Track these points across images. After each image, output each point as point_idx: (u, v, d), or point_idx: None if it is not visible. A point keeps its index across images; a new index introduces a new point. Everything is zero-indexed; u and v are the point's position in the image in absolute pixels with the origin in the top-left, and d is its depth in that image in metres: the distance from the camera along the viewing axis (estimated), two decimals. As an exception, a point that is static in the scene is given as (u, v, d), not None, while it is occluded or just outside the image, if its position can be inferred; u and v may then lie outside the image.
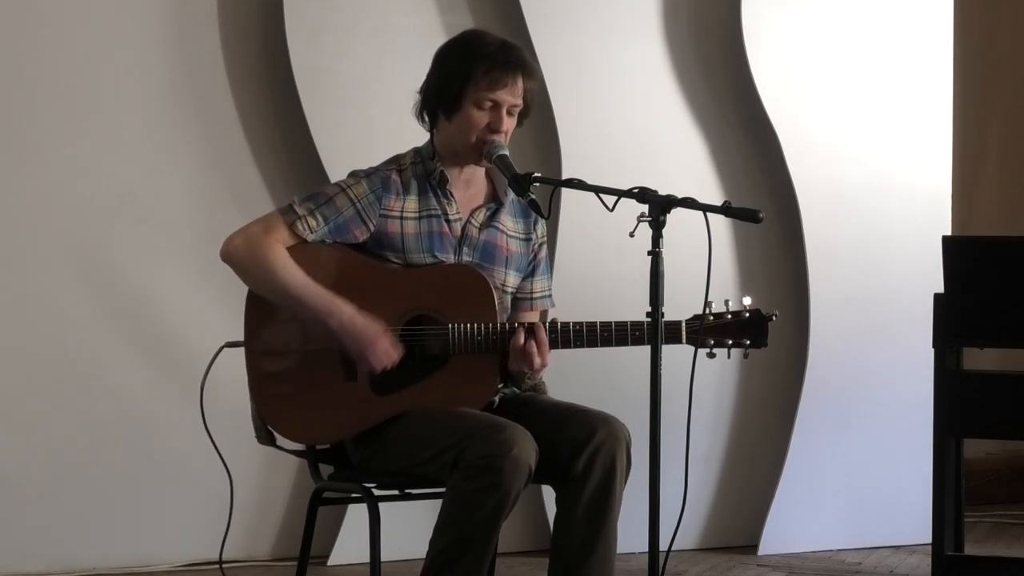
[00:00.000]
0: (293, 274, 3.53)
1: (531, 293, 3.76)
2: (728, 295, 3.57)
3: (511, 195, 3.71)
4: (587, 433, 3.47)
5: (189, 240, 4.94)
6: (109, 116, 4.93)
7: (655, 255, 3.18)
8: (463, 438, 3.37)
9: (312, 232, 3.56)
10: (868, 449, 5.38)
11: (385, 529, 3.53)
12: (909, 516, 5.31)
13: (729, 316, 3.52)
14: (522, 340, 3.50)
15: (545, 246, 3.80)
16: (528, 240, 3.75)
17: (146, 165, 4.97)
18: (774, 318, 3.54)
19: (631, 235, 3.21)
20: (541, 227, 3.78)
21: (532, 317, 3.73)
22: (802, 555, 5.30)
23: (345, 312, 3.52)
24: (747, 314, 3.52)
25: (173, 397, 4.87)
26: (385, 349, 3.51)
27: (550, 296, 3.80)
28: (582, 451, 3.45)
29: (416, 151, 3.69)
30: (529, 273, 3.76)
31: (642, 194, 3.23)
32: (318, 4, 5.03)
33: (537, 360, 3.51)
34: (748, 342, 3.52)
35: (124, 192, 4.95)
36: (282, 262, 3.54)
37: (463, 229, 3.65)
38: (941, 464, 4.64)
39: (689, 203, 3.22)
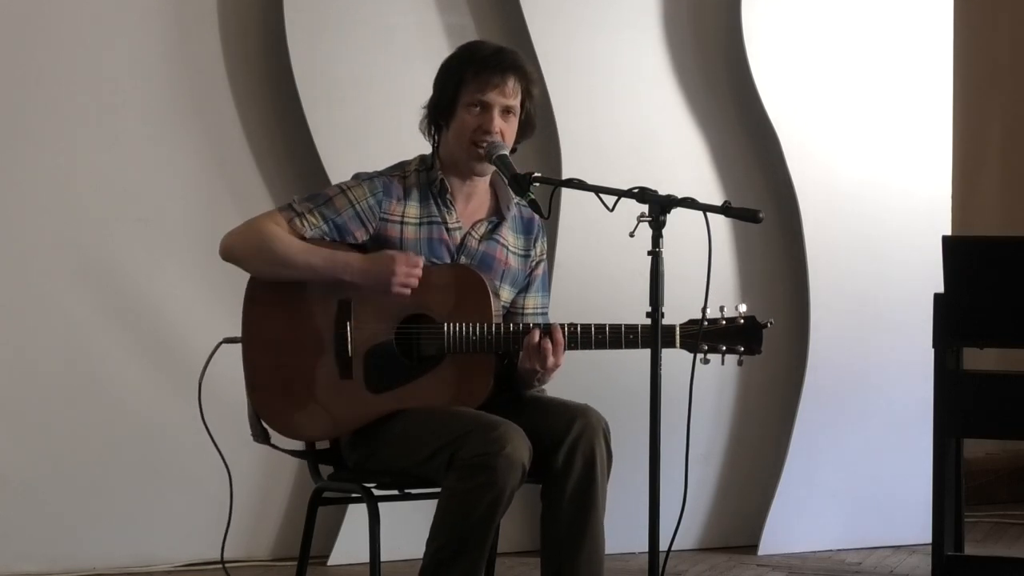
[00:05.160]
0: (293, 243, 3.55)
1: (523, 308, 3.75)
2: (728, 295, 3.57)
3: (513, 210, 3.72)
4: (565, 424, 3.47)
5: (189, 240, 4.94)
6: (109, 116, 4.93)
7: (655, 255, 3.18)
8: (457, 437, 3.38)
9: (310, 229, 3.57)
10: (868, 449, 5.38)
11: (385, 529, 3.54)
12: (909, 516, 5.31)
13: (724, 322, 3.48)
14: (537, 338, 3.50)
15: (544, 264, 3.79)
16: (527, 256, 3.75)
17: (146, 165, 4.97)
18: (769, 325, 3.50)
19: (631, 235, 3.22)
20: (540, 245, 3.78)
21: None
22: (802, 555, 5.30)
23: (353, 260, 3.53)
24: (742, 320, 3.49)
25: (173, 397, 4.87)
26: (405, 272, 3.50)
27: (544, 315, 3.78)
28: (561, 444, 3.46)
29: (422, 159, 3.70)
30: (523, 288, 3.75)
31: (642, 194, 3.24)
32: (318, 4, 5.03)
33: (551, 359, 3.51)
34: (742, 349, 3.49)
35: (124, 192, 4.95)
36: (280, 236, 3.55)
37: (463, 239, 3.66)
38: (941, 464, 4.64)
39: (689, 203, 3.22)
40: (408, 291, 3.52)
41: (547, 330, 3.51)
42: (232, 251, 3.59)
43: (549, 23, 5.15)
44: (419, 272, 3.53)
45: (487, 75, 3.58)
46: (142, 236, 4.96)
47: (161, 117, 4.99)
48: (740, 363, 3.51)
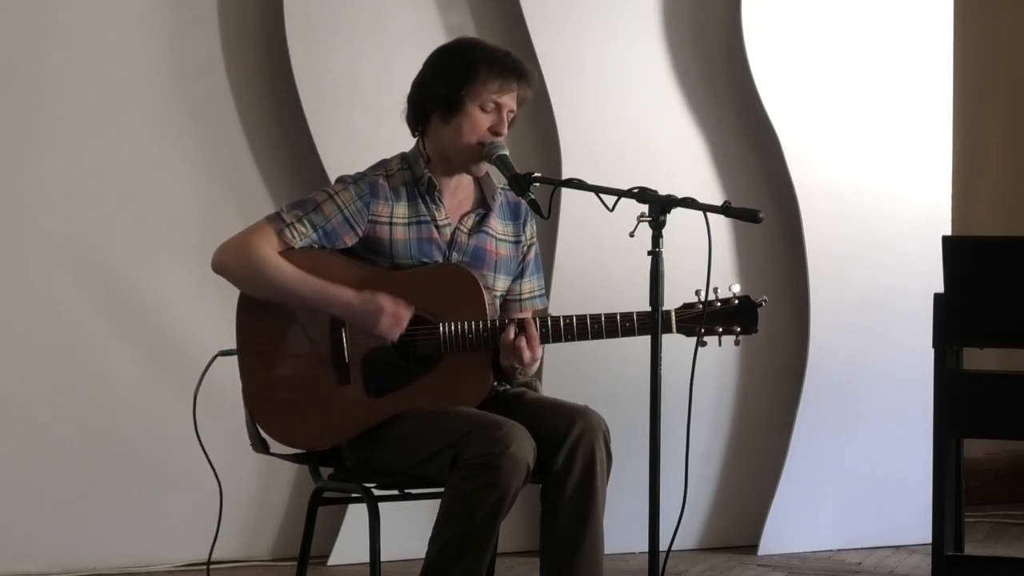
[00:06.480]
0: (285, 270, 3.53)
1: (519, 295, 3.75)
2: (721, 288, 3.56)
3: (499, 199, 3.72)
4: (565, 426, 3.47)
5: (189, 240, 4.94)
6: (109, 116, 4.93)
7: (655, 255, 3.19)
8: (461, 437, 3.38)
9: (301, 239, 3.56)
10: (868, 449, 5.37)
11: (385, 529, 3.53)
12: (909, 516, 5.31)
13: (719, 304, 3.50)
14: (512, 335, 3.50)
15: (535, 247, 3.79)
16: (517, 243, 3.75)
17: (146, 165, 4.98)
18: (763, 303, 3.52)
19: (631, 235, 3.22)
20: (530, 229, 3.77)
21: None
22: (802, 555, 5.30)
23: (343, 295, 3.52)
24: (736, 301, 3.51)
25: (173, 396, 4.86)
26: (392, 320, 3.49)
27: (541, 296, 3.79)
28: (561, 445, 3.46)
29: (403, 156, 3.69)
30: (518, 275, 3.76)
31: (642, 194, 3.24)
32: (318, 4, 5.03)
33: (527, 354, 3.51)
34: (738, 329, 3.50)
35: (124, 192, 4.95)
36: (273, 261, 3.54)
37: (452, 235, 3.65)
38: (941, 464, 4.64)
39: (689, 203, 3.23)
40: (391, 339, 3.51)
41: (521, 326, 3.50)
42: (223, 269, 3.59)
43: (549, 23, 5.15)
44: (403, 325, 3.51)
45: (506, 78, 3.57)
46: (142, 236, 4.96)
47: (161, 117, 4.99)
48: (737, 343, 3.52)
